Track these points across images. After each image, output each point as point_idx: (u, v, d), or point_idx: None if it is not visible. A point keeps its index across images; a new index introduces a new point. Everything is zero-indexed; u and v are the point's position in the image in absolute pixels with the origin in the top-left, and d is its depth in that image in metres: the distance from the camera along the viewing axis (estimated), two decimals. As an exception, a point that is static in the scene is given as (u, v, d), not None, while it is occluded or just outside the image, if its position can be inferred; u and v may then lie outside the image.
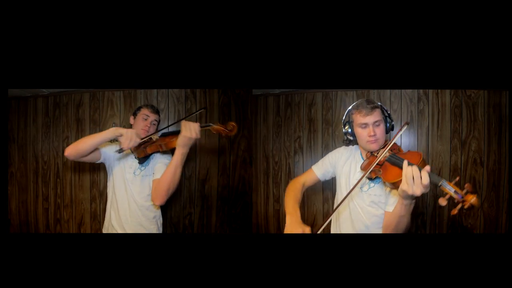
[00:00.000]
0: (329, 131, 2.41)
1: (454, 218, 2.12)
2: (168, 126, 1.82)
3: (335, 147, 2.38)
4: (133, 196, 1.65)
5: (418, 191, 1.00)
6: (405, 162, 1.04)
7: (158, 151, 1.64)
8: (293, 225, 1.25)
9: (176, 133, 1.52)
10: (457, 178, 1.00)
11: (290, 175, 2.52)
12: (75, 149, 1.51)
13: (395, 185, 1.13)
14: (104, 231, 1.72)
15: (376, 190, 1.36)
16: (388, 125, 1.39)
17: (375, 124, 1.33)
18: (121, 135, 1.45)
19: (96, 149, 1.57)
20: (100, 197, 2.29)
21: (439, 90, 2.13)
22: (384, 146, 1.33)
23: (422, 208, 2.18)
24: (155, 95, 2.25)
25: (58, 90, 2.33)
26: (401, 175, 1.07)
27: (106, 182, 1.74)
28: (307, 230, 1.18)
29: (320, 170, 1.57)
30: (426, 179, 0.99)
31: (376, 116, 1.33)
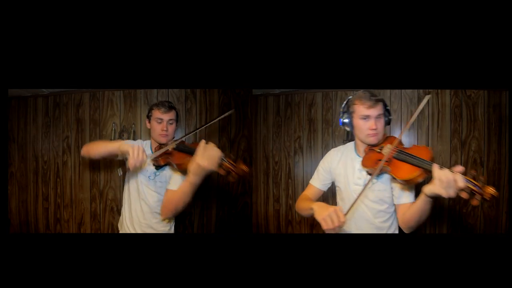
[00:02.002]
0: (329, 131, 2.41)
1: (454, 218, 2.12)
2: (194, 131, 1.71)
3: (335, 147, 2.38)
4: (146, 199, 1.57)
5: (453, 193, 1.01)
6: (435, 167, 1.05)
7: (168, 165, 1.54)
8: (322, 208, 1.20)
9: (191, 151, 1.34)
10: (473, 172, 1.03)
11: (290, 175, 2.52)
12: (87, 153, 1.56)
13: (409, 182, 1.15)
14: (119, 226, 1.70)
15: (379, 185, 1.34)
16: (386, 119, 1.37)
17: (377, 117, 1.30)
18: (128, 153, 1.31)
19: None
20: (100, 197, 2.29)
21: (439, 90, 2.13)
22: (384, 140, 1.35)
23: (422, 208, 2.18)
24: (155, 95, 2.25)
25: (58, 90, 2.33)
26: (414, 172, 1.11)
27: (107, 181, 1.74)
28: (337, 208, 1.15)
29: (317, 182, 1.54)
30: (462, 183, 0.99)
31: (379, 109, 1.31)
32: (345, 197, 1.45)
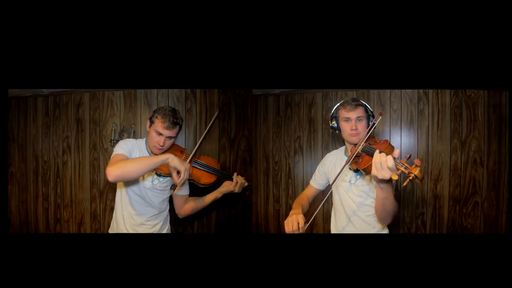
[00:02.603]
0: (329, 131, 2.41)
1: (454, 218, 2.12)
2: (198, 146, 1.76)
3: (335, 147, 2.38)
4: (152, 202, 1.63)
5: (386, 174, 1.10)
6: (377, 151, 1.14)
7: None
8: (292, 212, 1.43)
9: (213, 172, 1.69)
10: (408, 155, 1.14)
11: (290, 175, 2.52)
12: (121, 177, 1.40)
13: (366, 171, 1.30)
14: (111, 231, 1.71)
15: (362, 180, 1.48)
16: (370, 123, 1.49)
17: (358, 119, 1.45)
18: (176, 170, 1.43)
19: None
20: (100, 197, 2.29)
21: (439, 90, 2.13)
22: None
23: (422, 208, 2.18)
24: (155, 95, 2.25)
25: (58, 90, 2.33)
26: (370, 161, 1.20)
27: (107, 181, 1.74)
28: (300, 216, 1.33)
29: (315, 182, 1.71)
30: (390, 162, 1.08)
31: (359, 112, 1.45)
32: (335, 195, 1.61)
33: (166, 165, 1.46)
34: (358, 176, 1.50)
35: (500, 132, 2.05)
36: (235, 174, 1.72)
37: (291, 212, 1.43)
